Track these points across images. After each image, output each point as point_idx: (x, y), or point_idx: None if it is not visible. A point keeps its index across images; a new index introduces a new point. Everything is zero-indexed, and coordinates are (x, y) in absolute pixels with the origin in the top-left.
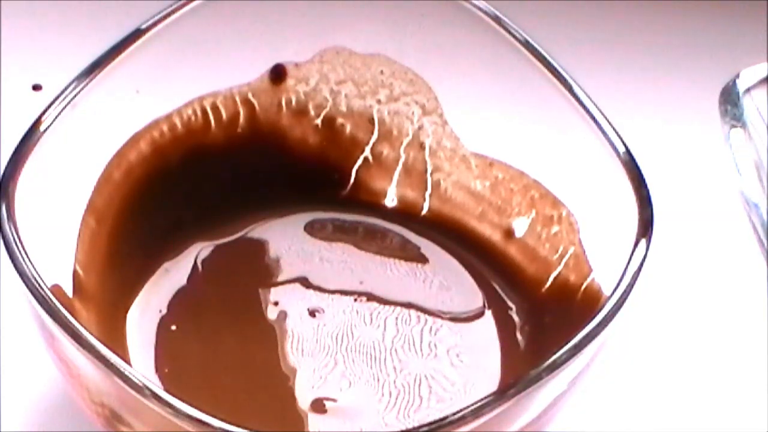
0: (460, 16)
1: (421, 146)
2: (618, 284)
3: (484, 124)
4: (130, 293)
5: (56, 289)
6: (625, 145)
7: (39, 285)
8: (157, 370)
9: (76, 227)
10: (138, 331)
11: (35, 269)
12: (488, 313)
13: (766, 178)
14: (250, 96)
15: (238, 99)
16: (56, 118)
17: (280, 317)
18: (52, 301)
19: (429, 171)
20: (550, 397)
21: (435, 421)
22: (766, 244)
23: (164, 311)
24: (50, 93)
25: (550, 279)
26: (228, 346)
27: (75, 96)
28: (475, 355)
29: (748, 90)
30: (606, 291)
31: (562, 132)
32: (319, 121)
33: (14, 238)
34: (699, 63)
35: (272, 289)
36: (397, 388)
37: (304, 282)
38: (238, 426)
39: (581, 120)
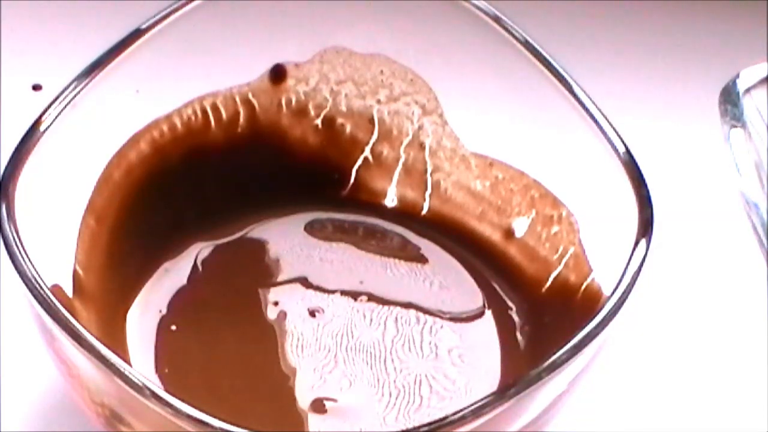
0: (460, 16)
1: (421, 146)
2: (618, 284)
3: (484, 124)
4: (130, 293)
5: (56, 289)
6: (625, 145)
7: (39, 285)
8: (157, 370)
9: (76, 227)
10: (138, 331)
11: (35, 269)
12: (488, 313)
13: (766, 178)
14: (250, 96)
15: (238, 99)
16: (56, 118)
17: (280, 317)
18: (52, 301)
19: (429, 171)
20: (550, 397)
21: (435, 421)
22: (766, 244)
23: (164, 311)
24: (50, 93)
25: (550, 279)
26: (228, 346)
27: (75, 96)
28: (475, 355)
29: (748, 90)
30: (606, 291)
31: (562, 132)
32: (319, 121)
33: (14, 238)
34: (699, 63)
35: (272, 289)
36: (397, 388)
37: (304, 282)
38: (238, 426)
39: (581, 120)
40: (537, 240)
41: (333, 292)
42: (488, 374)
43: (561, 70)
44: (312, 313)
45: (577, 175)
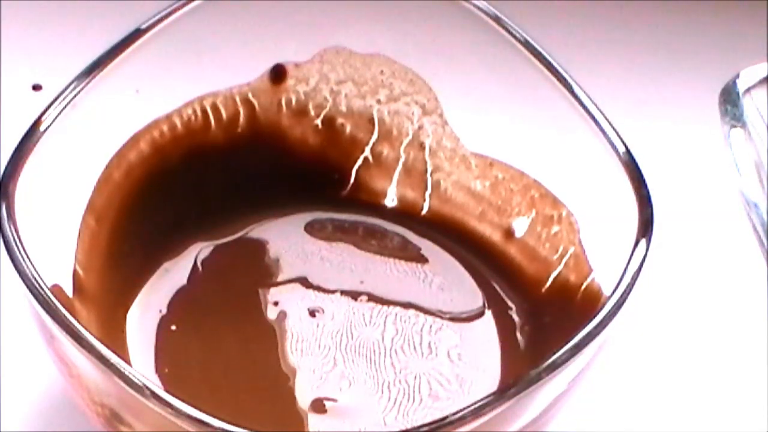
0: (460, 16)
1: (421, 146)
2: (618, 284)
3: (484, 124)
4: (130, 293)
5: (56, 289)
6: (625, 145)
7: (39, 285)
8: (157, 370)
9: (76, 227)
10: (138, 331)
11: (35, 269)
12: (488, 313)
13: (766, 178)
14: (250, 96)
15: (238, 99)
16: (56, 118)
17: (280, 317)
18: (52, 301)
19: (429, 171)
20: (550, 397)
21: (435, 421)
22: (766, 244)
23: (164, 311)
24: (50, 93)
25: (550, 279)
26: (228, 346)
27: (75, 96)
28: (475, 355)
29: (748, 90)
30: (606, 291)
31: (562, 132)
32: (319, 121)
33: (14, 238)
34: (699, 63)
35: (272, 289)
36: (397, 388)
37: (304, 282)
38: (238, 426)
39: (581, 120)
40: (537, 240)
41: (333, 292)
42: (488, 374)
43: (561, 70)
44: (312, 313)
45: (577, 175)
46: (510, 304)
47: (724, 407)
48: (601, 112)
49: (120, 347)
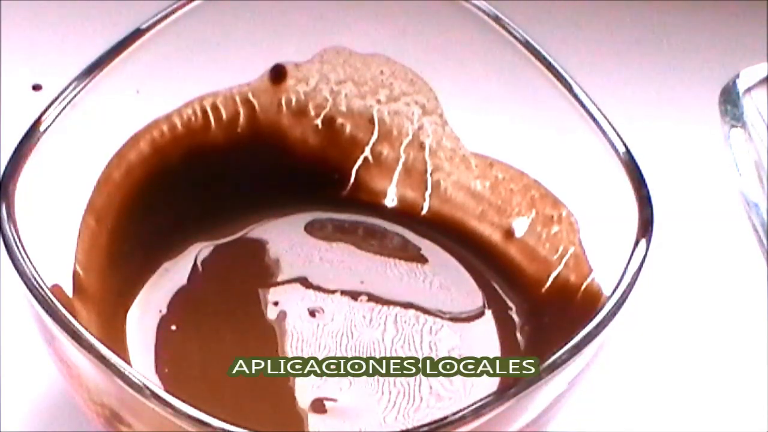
0: (460, 16)
1: (421, 146)
2: (618, 284)
3: (484, 124)
4: (130, 293)
5: (56, 289)
6: (625, 145)
7: (39, 285)
8: (157, 370)
9: (76, 227)
10: (138, 331)
11: (35, 269)
12: (488, 313)
13: (766, 178)
14: (250, 96)
15: (238, 99)
16: (56, 118)
17: (280, 317)
18: (52, 301)
19: (429, 171)
20: (550, 397)
21: (435, 421)
22: (766, 244)
23: (164, 311)
24: (50, 93)
25: (550, 279)
26: (228, 346)
27: (75, 96)
28: (475, 355)
29: (748, 90)
30: (606, 291)
31: (562, 132)
32: (319, 121)
33: (14, 238)
34: (699, 63)
35: (272, 289)
36: (397, 388)
37: (304, 282)
38: (238, 426)
39: (581, 120)
40: (537, 240)
41: (333, 292)
42: None
43: (561, 70)
44: (312, 313)
45: (577, 175)
46: (510, 304)
47: (724, 407)
48: (601, 112)
49: (120, 347)
